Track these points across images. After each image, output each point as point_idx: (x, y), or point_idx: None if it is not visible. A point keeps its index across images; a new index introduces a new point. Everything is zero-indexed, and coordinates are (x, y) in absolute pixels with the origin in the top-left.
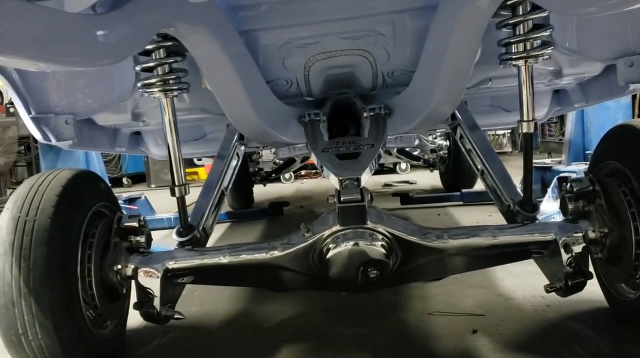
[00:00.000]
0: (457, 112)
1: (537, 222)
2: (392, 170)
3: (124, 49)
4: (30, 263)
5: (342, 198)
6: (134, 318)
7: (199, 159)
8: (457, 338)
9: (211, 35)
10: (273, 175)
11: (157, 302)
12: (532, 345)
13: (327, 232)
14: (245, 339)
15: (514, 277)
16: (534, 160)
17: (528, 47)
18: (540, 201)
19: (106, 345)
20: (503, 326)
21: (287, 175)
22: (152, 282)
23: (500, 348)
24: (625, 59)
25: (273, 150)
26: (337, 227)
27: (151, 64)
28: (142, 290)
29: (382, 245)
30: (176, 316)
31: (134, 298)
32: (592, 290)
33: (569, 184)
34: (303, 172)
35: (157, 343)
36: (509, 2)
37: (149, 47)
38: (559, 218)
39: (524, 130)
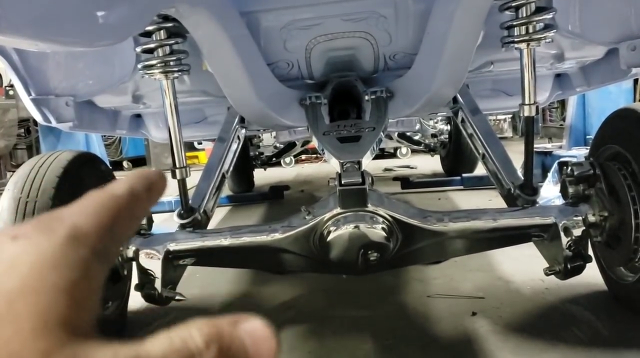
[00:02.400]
0: (458, 95)
1: (537, 205)
2: (393, 155)
3: (125, 29)
4: None
5: (342, 181)
6: (135, 300)
7: (200, 143)
8: (456, 321)
9: (212, 16)
10: (273, 159)
11: (158, 284)
12: (531, 327)
13: (327, 215)
14: None
15: (513, 260)
16: (535, 145)
17: (530, 30)
18: (541, 185)
19: (108, 326)
20: (502, 309)
21: (287, 160)
22: (153, 264)
23: (500, 330)
24: (628, 43)
25: (274, 134)
26: (338, 210)
27: (152, 46)
28: (143, 271)
29: (383, 228)
30: (177, 297)
31: (135, 280)
32: (591, 274)
33: (569, 168)
34: (303, 157)
35: (158, 324)
36: None
37: (150, 28)
38: (559, 202)
39: (526, 114)
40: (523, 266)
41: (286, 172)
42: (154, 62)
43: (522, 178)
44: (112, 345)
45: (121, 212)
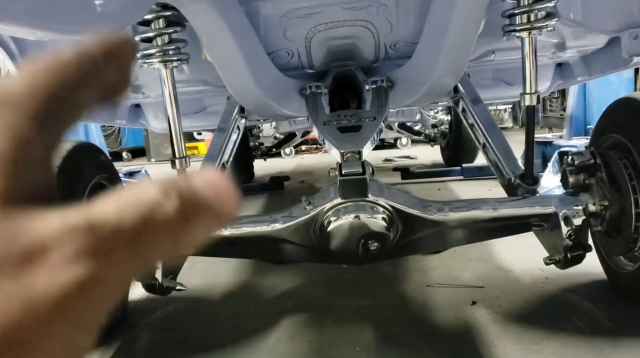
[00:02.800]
0: (459, 85)
1: (537, 195)
2: (393, 145)
3: (123, 18)
4: None
5: (343, 171)
6: (136, 290)
7: (199, 133)
8: (456, 310)
9: (211, 5)
10: (274, 149)
11: (158, 274)
12: (531, 317)
13: (328, 205)
14: (247, 310)
15: (513, 250)
16: (535, 135)
17: (532, 19)
18: (541, 175)
19: (108, 316)
20: (502, 298)
21: (287, 150)
22: None
23: (499, 320)
24: (629, 32)
25: (274, 124)
26: (338, 200)
27: (150, 34)
28: None
29: (383, 218)
30: (178, 288)
31: None
32: (591, 263)
33: (570, 157)
34: (303, 147)
35: (159, 314)
36: None
37: (148, 16)
38: (560, 192)
39: (527, 103)
40: (523, 255)
41: (286, 162)
42: (152, 51)
43: (523, 168)
44: (59, 211)
45: (69, 74)
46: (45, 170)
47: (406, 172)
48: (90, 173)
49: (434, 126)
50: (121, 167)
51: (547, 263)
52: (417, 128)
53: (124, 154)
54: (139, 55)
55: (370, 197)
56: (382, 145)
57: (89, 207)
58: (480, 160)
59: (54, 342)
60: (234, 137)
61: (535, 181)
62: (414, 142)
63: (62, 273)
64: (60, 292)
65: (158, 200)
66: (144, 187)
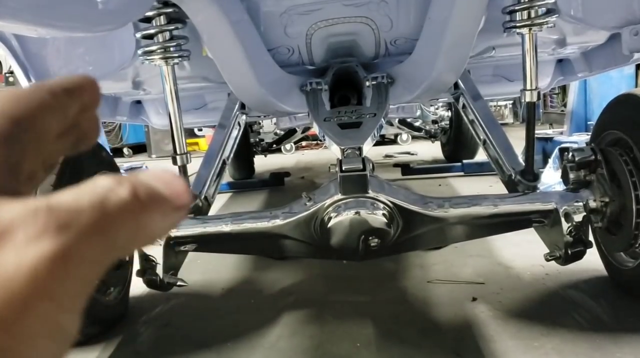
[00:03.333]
0: (460, 81)
1: (538, 191)
2: (393, 141)
3: (124, 15)
4: None
5: (343, 168)
6: (137, 286)
7: (200, 130)
8: (456, 306)
9: (212, 2)
10: (274, 146)
11: (159, 270)
12: (531, 313)
13: (328, 201)
14: (247, 306)
15: (513, 246)
16: (536, 131)
17: (532, 15)
18: (542, 171)
19: (110, 312)
20: (502, 294)
21: (288, 146)
22: (155, 250)
23: (500, 316)
24: (630, 28)
25: (274, 120)
26: (339, 196)
27: (152, 31)
28: (144, 257)
29: (383, 214)
30: (179, 283)
31: (136, 265)
32: (592, 259)
33: (570, 154)
34: (304, 143)
35: (159, 310)
36: None
37: (149, 13)
38: (560, 188)
39: (527, 99)
40: (523, 251)
41: (287, 158)
42: (154, 47)
43: (523, 164)
44: (20, 200)
45: (29, 103)
46: (7, 179)
47: (406, 168)
48: (91, 169)
49: (434, 122)
50: (122, 163)
51: (547, 260)
52: (417, 124)
53: (125, 150)
54: (140, 52)
55: (371, 193)
56: (382, 141)
57: (48, 197)
58: (481, 156)
59: (35, 321)
60: (235, 133)
61: (536, 177)
62: (414, 138)
63: (29, 250)
64: (31, 267)
65: (111, 186)
66: (99, 179)
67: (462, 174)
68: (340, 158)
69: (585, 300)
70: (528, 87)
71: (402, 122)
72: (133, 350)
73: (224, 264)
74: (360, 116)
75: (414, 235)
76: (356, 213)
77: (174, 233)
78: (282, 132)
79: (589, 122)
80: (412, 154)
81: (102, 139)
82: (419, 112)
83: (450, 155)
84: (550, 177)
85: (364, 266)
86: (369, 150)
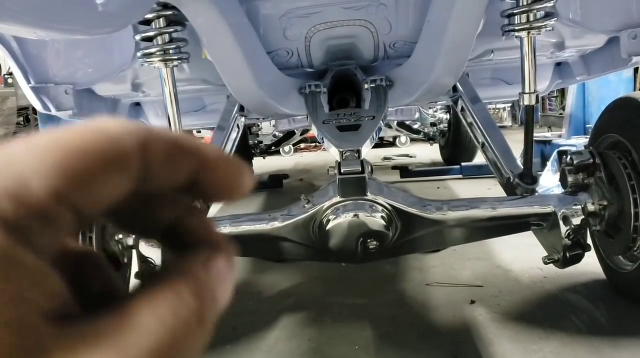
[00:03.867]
0: (458, 84)
1: (536, 194)
2: (392, 144)
3: (124, 17)
4: None
5: (342, 170)
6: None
7: (199, 132)
8: (455, 309)
9: (211, 4)
10: (273, 148)
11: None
12: (530, 316)
13: (327, 204)
14: (246, 308)
15: (512, 249)
16: (534, 134)
17: (531, 19)
18: (541, 174)
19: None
20: (501, 297)
21: (286, 149)
22: (154, 252)
23: (498, 319)
24: (629, 32)
25: (273, 123)
26: (338, 199)
27: (151, 34)
28: (143, 260)
29: (382, 217)
30: None
31: (135, 268)
32: (590, 263)
33: (569, 157)
34: (303, 146)
35: None
36: None
37: (149, 16)
38: (559, 191)
39: (526, 103)
40: (522, 255)
41: (285, 160)
42: (153, 50)
43: (522, 167)
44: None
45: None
46: (50, 285)
47: (405, 171)
48: None
49: (433, 125)
50: None
51: (546, 263)
52: (416, 127)
53: None
54: (139, 54)
55: (370, 196)
56: (381, 143)
57: (122, 310)
58: (480, 159)
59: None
60: (234, 135)
61: (535, 180)
62: (413, 140)
63: None
64: None
65: (188, 305)
66: (174, 285)
67: (460, 176)
68: (339, 160)
69: (584, 303)
70: (527, 90)
71: (401, 124)
72: None
73: None
74: (359, 119)
75: (413, 237)
76: (355, 215)
77: None
78: (281, 135)
79: (587, 126)
80: (411, 157)
81: None
82: (417, 115)
83: (449, 158)
84: (549, 180)
85: (363, 269)
86: (368, 152)
